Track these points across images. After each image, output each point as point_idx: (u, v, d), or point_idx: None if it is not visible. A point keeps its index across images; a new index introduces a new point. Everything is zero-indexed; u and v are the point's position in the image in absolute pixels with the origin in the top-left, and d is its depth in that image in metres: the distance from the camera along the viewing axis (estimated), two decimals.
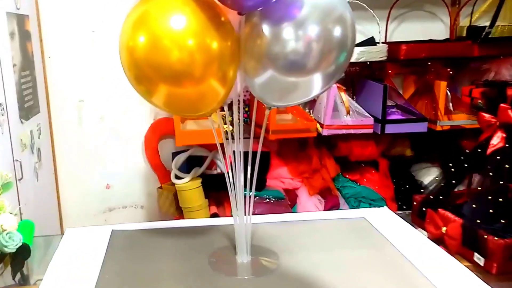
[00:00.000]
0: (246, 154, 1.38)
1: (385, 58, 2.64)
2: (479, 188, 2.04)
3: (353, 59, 2.43)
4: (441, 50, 2.70)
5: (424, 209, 2.18)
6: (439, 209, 2.06)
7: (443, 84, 2.65)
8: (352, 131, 2.62)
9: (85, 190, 2.90)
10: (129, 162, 2.91)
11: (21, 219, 1.86)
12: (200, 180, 2.59)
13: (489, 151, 2.02)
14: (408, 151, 2.95)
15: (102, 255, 1.50)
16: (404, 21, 2.95)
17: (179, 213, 2.65)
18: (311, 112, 2.74)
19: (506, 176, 1.94)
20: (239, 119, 1.33)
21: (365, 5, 2.63)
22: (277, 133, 2.54)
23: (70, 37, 2.70)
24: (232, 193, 1.41)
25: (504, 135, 2.02)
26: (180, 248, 1.55)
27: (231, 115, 1.39)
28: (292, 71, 1.15)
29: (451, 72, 2.80)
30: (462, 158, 2.15)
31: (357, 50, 2.55)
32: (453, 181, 2.16)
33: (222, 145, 1.41)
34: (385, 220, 1.73)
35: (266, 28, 1.13)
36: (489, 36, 2.61)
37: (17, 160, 2.05)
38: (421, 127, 2.66)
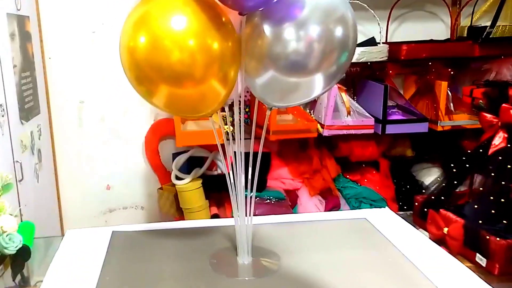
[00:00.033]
0: (246, 154, 1.38)
1: (385, 58, 2.64)
2: (481, 189, 2.03)
3: (353, 60, 2.41)
4: (442, 50, 2.69)
5: (425, 209, 2.17)
6: (441, 210, 2.06)
7: (444, 84, 2.64)
8: (352, 132, 2.61)
9: (86, 191, 2.90)
10: (129, 163, 2.91)
11: (21, 220, 1.85)
12: (200, 181, 2.58)
13: (490, 151, 2.02)
14: (409, 151, 2.95)
15: (102, 257, 1.50)
16: (405, 21, 2.95)
17: (180, 214, 2.65)
18: (311, 113, 2.74)
19: (508, 176, 1.93)
20: (240, 119, 1.33)
21: (365, 5, 2.63)
22: (278, 133, 2.54)
23: (71, 38, 2.70)
24: (233, 194, 1.41)
25: (506, 135, 2.02)
26: (181, 249, 1.54)
27: (232, 115, 1.39)
28: (294, 72, 1.14)
29: (452, 72, 2.80)
30: (464, 158, 2.14)
31: (358, 50, 2.54)
32: (455, 182, 2.15)
33: (223, 145, 1.40)
34: (387, 220, 1.73)
35: (267, 29, 1.13)
36: (490, 36, 2.61)
37: (18, 161, 2.05)
38: (422, 128, 2.65)
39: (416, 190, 2.83)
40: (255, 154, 1.37)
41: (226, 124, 1.44)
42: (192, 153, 2.69)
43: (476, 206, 1.97)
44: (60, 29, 2.68)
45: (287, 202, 2.65)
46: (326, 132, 2.57)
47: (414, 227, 1.72)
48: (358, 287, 1.33)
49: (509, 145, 2.01)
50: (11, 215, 1.55)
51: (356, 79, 2.87)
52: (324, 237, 1.62)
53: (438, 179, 2.39)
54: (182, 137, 2.50)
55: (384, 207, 1.91)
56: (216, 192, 2.67)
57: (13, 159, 2.01)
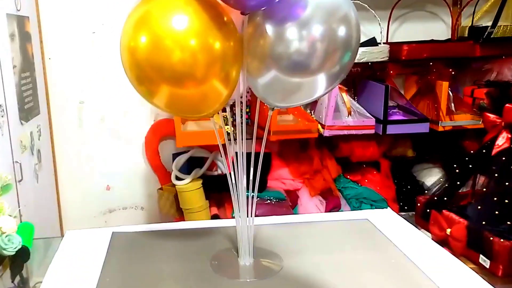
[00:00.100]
0: (247, 155, 1.37)
1: (386, 58, 2.63)
2: (484, 189, 2.03)
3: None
4: (443, 50, 2.69)
5: (428, 210, 2.16)
6: (444, 211, 2.05)
7: (445, 85, 2.64)
8: (353, 132, 2.60)
9: (85, 192, 2.89)
10: (129, 163, 2.90)
11: (20, 221, 1.84)
12: (200, 181, 2.57)
13: (494, 151, 2.01)
14: (410, 151, 2.94)
15: (102, 258, 1.49)
16: (406, 21, 2.94)
17: (180, 215, 2.64)
18: (312, 113, 2.73)
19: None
20: (241, 120, 1.32)
21: (366, 5, 2.62)
22: (278, 134, 2.53)
23: (70, 38, 2.69)
24: (234, 195, 1.40)
25: (510, 136, 2.01)
26: (182, 251, 1.53)
27: (232, 116, 1.38)
28: (296, 72, 1.14)
29: (452, 73, 2.79)
30: (467, 159, 2.13)
31: (359, 50, 2.52)
32: (458, 182, 2.14)
33: (224, 146, 1.39)
34: (389, 221, 1.72)
35: (269, 28, 1.12)
36: (491, 36, 2.60)
37: (17, 162, 2.04)
38: (423, 128, 2.64)
39: (417, 191, 2.82)
40: (256, 155, 1.36)
41: (227, 124, 1.42)
42: (192, 154, 2.68)
43: (479, 207, 1.96)
44: (60, 29, 2.67)
45: (288, 203, 2.64)
46: (326, 133, 2.57)
47: (416, 228, 1.71)
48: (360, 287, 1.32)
49: None
50: (10, 216, 1.54)
51: (356, 79, 2.86)
52: (326, 238, 1.61)
53: (441, 179, 2.37)
54: (182, 138, 2.49)
55: (385, 208, 1.90)
56: (216, 192, 2.66)
57: (13, 159, 2.00)
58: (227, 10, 1.18)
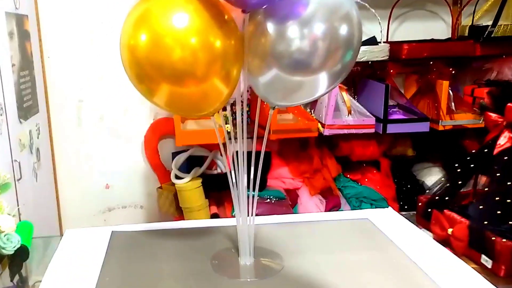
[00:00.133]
0: (247, 154, 1.36)
1: (387, 57, 2.62)
2: (486, 189, 2.02)
3: None
4: (443, 49, 2.68)
5: (429, 210, 2.15)
6: (445, 210, 2.04)
7: (445, 84, 2.63)
8: (353, 131, 2.60)
9: (85, 190, 2.89)
10: (128, 162, 2.89)
11: (19, 220, 1.84)
12: (200, 180, 2.57)
13: (496, 151, 2.00)
14: (410, 151, 2.94)
15: (102, 257, 1.48)
16: (406, 20, 2.93)
17: (179, 213, 2.64)
18: (312, 112, 2.73)
19: None
20: (242, 118, 1.31)
21: (366, 4, 2.61)
22: (278, 133, 2.53)
23: (69, 37, 2.69)
24: (234, 194, 1.39)
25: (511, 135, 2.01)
26: (182, 250, 1.53)
27: (232, 114, 1.37)
28: (297, 70, 1.13)
29: (453, 72, 2.78)
30: (468, 158, 2.13)
31: None
32: (459, 182, 2.13)
33: (224, 145, 1.39)
34: (389, 221, 1.71)
35: (270, 26, 1.11)
36: (492, 36, 2.60)
37: (16, 160, 2.03)
38: (423, 127, 2.64)
39: (417, 190, 2.82)
40: (257, 154, 1.35)
41: (227, 123, 1.42)
42: (192, 152, 2.67)
43: (481, 207, 1.95)
44: (59, 28, 2.67)
45: (288, 202, 2.64)
46: (326, 132, 2.56)
47: (417, 227, 1.71)
48: None
49: None
50: (9, 214, 1.53)
51: (357, 78, 2.86)
52: (327, 237, 1.60)
53: (442, 179, 2.37)
54: (182, 136, 2.49)
55: (385, 207, 1.89)
56: (216, 191, 2.66)
57: (12, 158, 2.00)
58: (228, 8, 1.17)
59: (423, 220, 2.21)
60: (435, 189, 2.26)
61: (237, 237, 1.45)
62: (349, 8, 1.10)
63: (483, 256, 1.85)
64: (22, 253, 1.51)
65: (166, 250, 1.53)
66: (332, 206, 2.68)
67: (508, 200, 1.88)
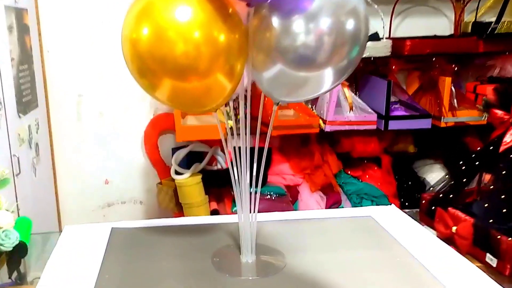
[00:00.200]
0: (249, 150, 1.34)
1: (389, 53, 2.61)
2: (491, 187, 2.00)
3: None
4: (446, 46, 2.67)
5: (432, 207, 2.13)
6: (449, 208, 2.02)
7: (448, 80, 2.62)
8: (355, 127, 2.59)
9: (84, 186, 2.88)
10: (128, 158, 2.88)
11: (18, 215, 1.82)
12: (200, 176, 2.56)
13: (502, 148, 1.98)
14: (411, 147, 2.93)
15: (101, 254, 1.46)
16: (408, 16, 2.92)
17: (179, 209, 2.62)
18: (313, 108, 2.71)
19: None
20: (245, 114, 1.29)
21: (369, 0, 2.59)
22: (279, 129, 2.52)
23: (69, 31, 2.67)
24: (237, 191, 1.37)
25: None
26: (182, 247, 1.51)
27: (235, 110, 1.36)
28: (302, 66, 1.10)
29: (455, 68, 2.77)
30: (473, 155, 2.11)
31: None
32: (464, 179, 2.11)
33: (227, 140, 1.37)
34: (393, 218, 1.70)
35: (275, 21, 1.09)
36: (495, 32, 2.58)
37: (15, 155, 2.02)
38: (425, 124, 2.63)
39: (418, 187, 2.81)
40: (259, 150, 1.34)
41: (230, 119, 1.40)
42: (192, 148, 2.66)
43: (486, 205, 1.93)
44: (59, 22, 2.65)
45: (288, 198, 2.63)
46: (328, 128, 2.55)
47: (421, 225, 1.69)
48: (365, 286, 1.30)
49: None
50: (7, 210, 1.52)
51: (358, 74, 2.84)
52: (329, 235, 1.58)
53: (447, 176, 2.35)
54: (182, 132, 2.47)
55: (386, 204, 1.88)
56: (216, 187, 2.65)
57: (10, 153, 1.99)
58: (232, 1, 1.15)
59: (426, 218, 2.19)
60: (438, 187, 2.23)
61: (238, 234, 1.43)
62: (356, 2, 1.08)
63: (488, 255, 1.83)
64: (20, 250, 1.50)
65: (167, 247, 1.51)
66: (333, 202, 2.67)
67: None
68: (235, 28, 1.13)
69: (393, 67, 2.81)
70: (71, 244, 1.54)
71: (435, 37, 2.83)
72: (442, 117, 2.63)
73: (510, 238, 1.77)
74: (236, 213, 1.41)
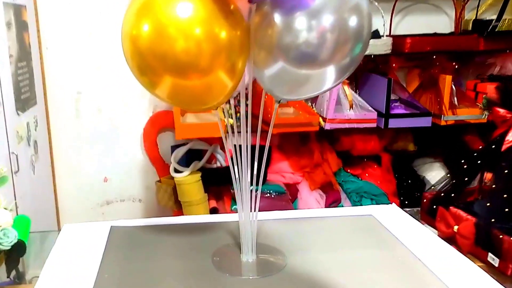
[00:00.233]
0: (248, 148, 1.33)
1: (389, 51, 2.60)
2: (493, 186, 1.99)
3: None
4: (446, 43, 2.67)
5: (434, 206, 2.13)
6: (451, 207, 2.01)
7: (448, 78, 2.61)
8: (355, 125, 2.58)
9: (83, 183, 2.87)
10: (127, 155, 2.87)
11: (17, 214, 1.81)
12: (199, 174, 2.55)
13: (504, 147, 1.98)
14: (411, 145, 2.92)
15: (100, 253, 1.45)
16: (409, 14, 2.91)
17: (178, 207, 2.62)
18: (313, 106, 2.70)
19: None
20: (246, 112, 1.28)
21: None
22: (279, 126, 2.50)
23: (68, 28, 2.66)
24: (237, 189, 1.36)
25: None
26: (182, 246, 1.50)
27: (235, 107, 1.34)
28: (304, 63, 1.09)
29: (456, 66, 2.76)
30: (475, 154, 2.10)
31: None
32: (466, 178, 2.10)
33: (227, 138, 1.36)
34: (394, 217, 1.69)
35: (277, 17, 1.07)
36: (496, 30, 2.57)
37: (13, 153, 2.01)
38: (425, 122, 2.62)
39: (418, 185, 2.81)
40: (259, 148, 1.33)
41: (230, 117, 1.38)
42: (191, 146, 2.65)
43: (488, 204, 1.92)
44: (58, 19, 2.64)
45: (287, 196, 2.62)
46: (328, 126, 2.54)
47: (422, 224, 1.68)
48: (366, 286, 1.29)
49: None
50: (6, 209, 1.51)
51: (358, 72, 2.84)
52: (330, 234, 1.57)
53: (448, 175, 2.35)
54: (181, 130, 2.46)
55: (386, 203, 1.87)
56: (215, 185, 2.64)
57: (9, 150, 1.98)
58: None
59: (427, 217, 2.18)
60: (440, 186, 2.23)
61: (238, 233, 1.42)
62: None
63: (490, 254, 1.83)
64: (19, 249, 1.49)
65: (166, 246, 1.50)
66: (332, 201, 2.66)
67: None
68: (236, 25, 1.12)
69: (393, 65, 2.80)
70: (70, 243, 1.53)
71: (435, 34, 2.83)
72: (442, 115, 2.62)
73: None
74: (236, 212, 1.40)
